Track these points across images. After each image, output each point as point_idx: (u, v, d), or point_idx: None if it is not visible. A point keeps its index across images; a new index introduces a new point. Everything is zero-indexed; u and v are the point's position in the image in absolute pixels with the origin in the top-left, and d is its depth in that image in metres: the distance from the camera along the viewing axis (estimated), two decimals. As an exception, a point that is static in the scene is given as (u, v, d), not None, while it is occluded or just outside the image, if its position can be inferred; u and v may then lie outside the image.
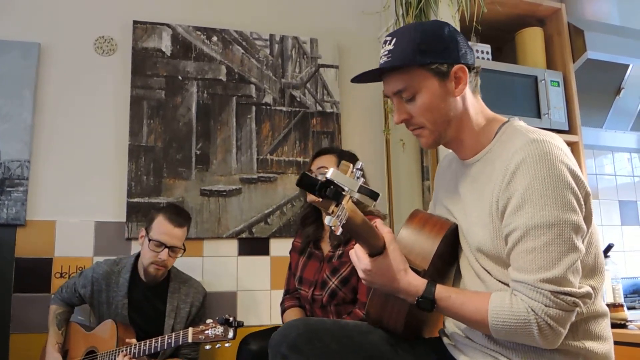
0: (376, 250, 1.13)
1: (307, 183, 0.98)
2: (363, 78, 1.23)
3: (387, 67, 1.17)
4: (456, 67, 1.16)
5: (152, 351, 1.86)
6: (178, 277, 2.18)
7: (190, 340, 1.80)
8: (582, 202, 1.06)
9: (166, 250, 2.00)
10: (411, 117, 1.19)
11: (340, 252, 1.96)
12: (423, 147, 1.26)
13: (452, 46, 1.17)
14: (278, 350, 1.14)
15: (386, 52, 1.17)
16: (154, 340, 1.86)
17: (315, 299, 1.96)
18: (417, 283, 1.12)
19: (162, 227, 2.01)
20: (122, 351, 1.86)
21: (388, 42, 1.18)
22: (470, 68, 1.19)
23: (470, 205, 1.19)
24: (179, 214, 2.08)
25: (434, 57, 1.15)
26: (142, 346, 1.86)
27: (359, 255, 1.16)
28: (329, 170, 0.99)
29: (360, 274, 1.17)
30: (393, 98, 1.21)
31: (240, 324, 1.80)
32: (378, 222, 1.17)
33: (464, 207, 1.21)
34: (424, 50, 1.14)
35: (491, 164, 1.15)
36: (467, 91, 1.20)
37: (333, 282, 1.92)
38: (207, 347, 1.81)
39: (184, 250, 2.09)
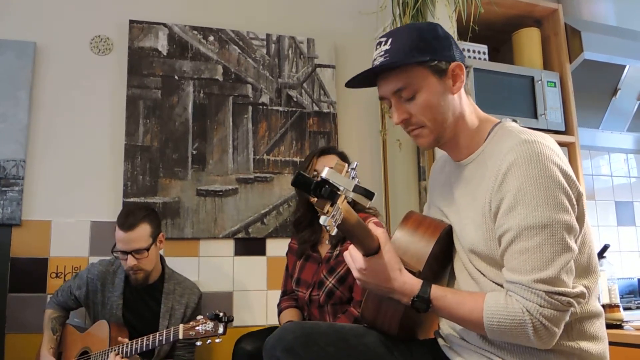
0: (370, 251, 1.12)
1: (302, 182, 0.98)
2: (358, 82, 1.22)
3: (386, 65, 1.16)
4: (454, 64, 1.17)
5: (144, 349, 1.86)
6: (173, 278, 2.16)
7: (181, 336, 1.80)
8: (575, 202, 1.06)
9: (129, 256, 1.98)
10: (411, 116, 1.18)
11: (338, 252, 1.96)
12: (421, 147, 1.26)
13: (447, 44, 1.18)
14: (273, 354, 1.14)
15: (382, 52, 1.16)
16: (145, 339, 1.86)
17: (312, 299, 1.95)
18: (412, 282, 1.12)
19: (117, 236, 1.99)
20: (114, 350, 1.85)
21: (383, 42, 1.17)
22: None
23: (464, 207, 1.19)
24: (127, 216, 2.00)
25: (432, 55, 1.15)
26: (133, 345, 1.86)
27: (353, 256, 1.15)
28: (323, 169, 0.98)
29: (355, 274, 1.16)
30: (392, 98, 1.19)
31: (230, 319, 1.80)
32: (372, 224, 1.16)
33: (457, 208, 1.21)
34: (422, 48, 1.14)
35: (484, 165, 1.15)
36: (462, 91, 1.20)
37: (330, 282, 1.91)
38: (198, 342, 1.81)
39: (148, 249, 1.99)
